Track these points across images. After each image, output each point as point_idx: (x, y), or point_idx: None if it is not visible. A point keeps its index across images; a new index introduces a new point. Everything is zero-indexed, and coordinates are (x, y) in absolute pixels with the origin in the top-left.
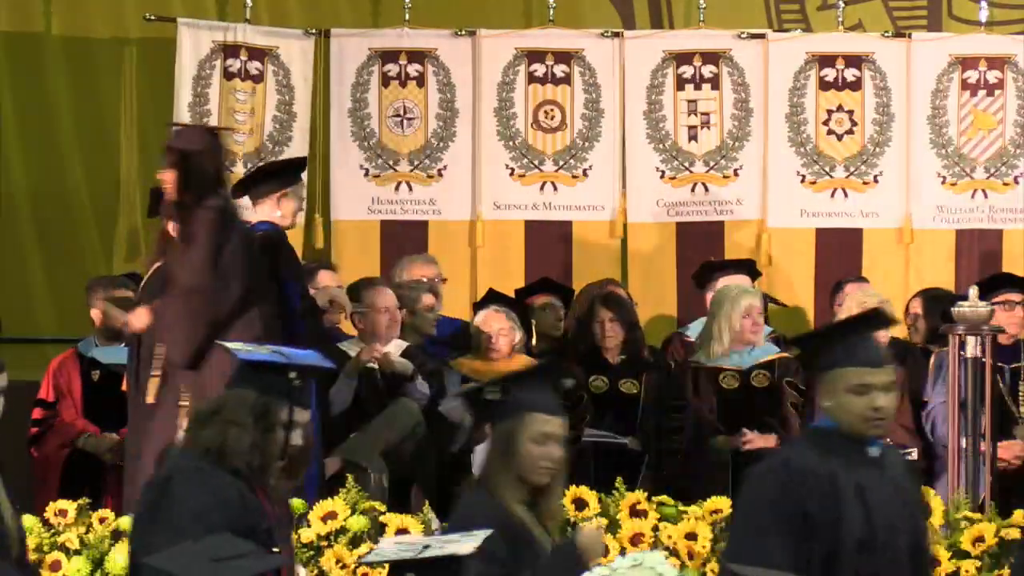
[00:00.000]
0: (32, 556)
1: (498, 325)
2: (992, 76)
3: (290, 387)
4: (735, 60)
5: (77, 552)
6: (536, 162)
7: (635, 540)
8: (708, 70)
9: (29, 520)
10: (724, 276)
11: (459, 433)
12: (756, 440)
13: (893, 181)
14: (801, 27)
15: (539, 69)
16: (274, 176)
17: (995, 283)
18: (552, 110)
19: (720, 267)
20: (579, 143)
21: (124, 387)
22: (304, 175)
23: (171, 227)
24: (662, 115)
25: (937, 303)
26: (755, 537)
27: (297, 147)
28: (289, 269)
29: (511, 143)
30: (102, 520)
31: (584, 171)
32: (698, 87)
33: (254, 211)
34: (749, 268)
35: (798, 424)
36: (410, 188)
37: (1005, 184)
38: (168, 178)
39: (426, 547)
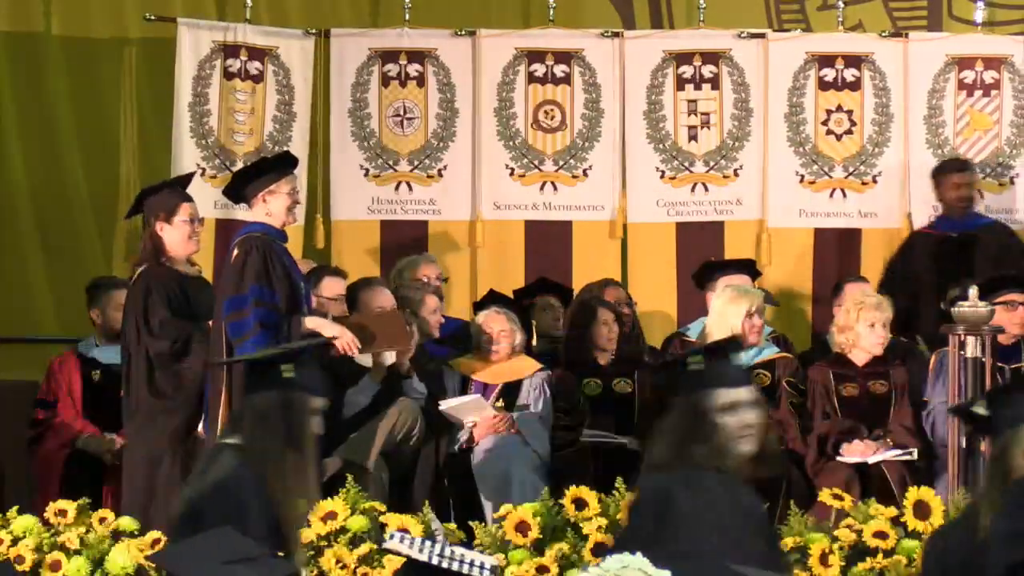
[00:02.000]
0: (32, 556)
1: (499, 326)
2: (989, 76)
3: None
4: (735, 60)
5: (77, 552)
6: (536, 162)
7: None
8: (708, 70)
9: (29, 520)
10: (724, 276)
11: (459, 433)
12: None
13: (892, 181)
14: (801, 27)
15: (539, 69)
16: (252, 178)
17: (997, 283)
18: (552, 110)
19: (720, 267)
20: (579, 143)
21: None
22: (298, 171)
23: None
24: (662, 115)
25: None
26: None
27: (297, 147)
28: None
29: (511, 143)
30: (102, 520)
31: (584, 171)
32: (698, 87)
33: (251, 214)
34: (749, 268)
35: (797, 424)
36: (410, 188)
37: (1001, 184)
38: None
39: (440, 556)
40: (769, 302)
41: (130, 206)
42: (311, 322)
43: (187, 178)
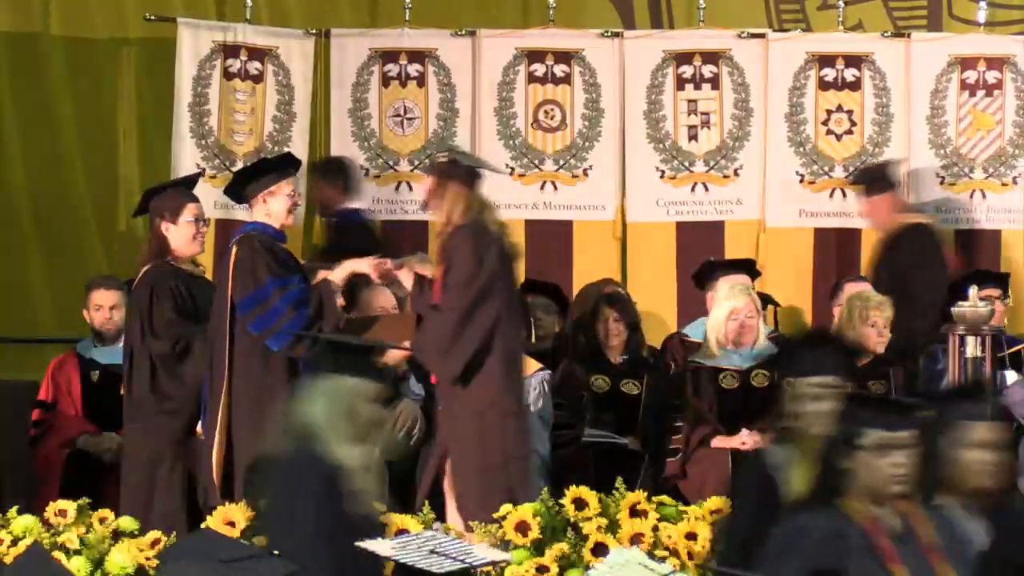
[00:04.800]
0: None
1: None
2: (991, 76)
3: None
4: (735, 60)
5: (77, 552)
6: (536, 162)
7: (635, 540)
8: (708, 70)
9: (29, 520)
10: (724, 276)
11: None
12: (755, 440)
13: None
14: (801, 27)
15: (539, 69)
16: (252, 178)
17: (974, 279)
18: (552, 110)
19: (720, 267)
20: (579, 143)
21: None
22: (296, 172)
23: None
24: (662, 115)
25: None
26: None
27: (297, 147)
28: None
29: (511, 143)
30: (102, 520)
31: (584, 171)
32: (698, 87)
33: (251, 214)
34: (749, 268)
35: None
36: (410, 188)
37: (1004, 184)
38: None
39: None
40: (769, 302)
41: (135, 205)
42: (334, 275)
43: (193, 178)
